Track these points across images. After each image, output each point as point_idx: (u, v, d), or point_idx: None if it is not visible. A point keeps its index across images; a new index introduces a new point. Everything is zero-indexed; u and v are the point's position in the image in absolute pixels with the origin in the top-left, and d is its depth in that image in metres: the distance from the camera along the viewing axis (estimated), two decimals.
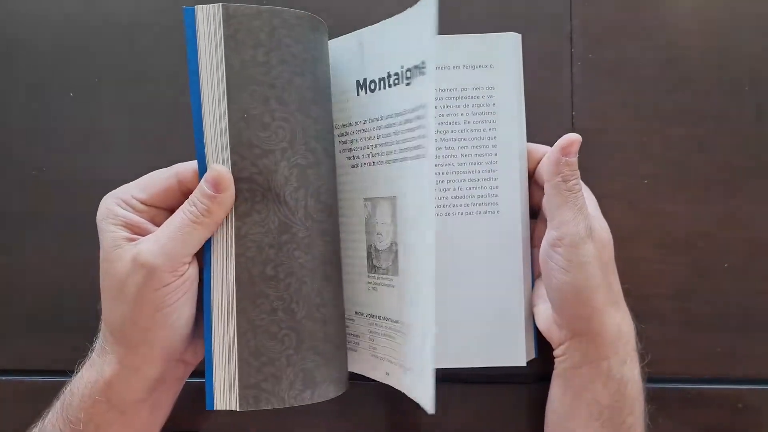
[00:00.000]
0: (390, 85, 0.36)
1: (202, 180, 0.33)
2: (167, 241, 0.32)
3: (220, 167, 0.33)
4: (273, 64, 0.33)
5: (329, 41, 0.38)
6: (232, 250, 0.34)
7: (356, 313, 0.40)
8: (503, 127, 0.39)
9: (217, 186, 0.32)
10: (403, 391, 0.36)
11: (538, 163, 0.40)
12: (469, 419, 0.43)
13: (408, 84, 0.35)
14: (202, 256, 0.34)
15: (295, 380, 0.34)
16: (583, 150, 0.43)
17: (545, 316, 0.38)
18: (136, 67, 0.46)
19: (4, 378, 0.45)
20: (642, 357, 0.37)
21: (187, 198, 0.34)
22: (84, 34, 0.46)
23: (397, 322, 0.36)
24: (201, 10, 0.33)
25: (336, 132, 0.39)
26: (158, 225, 0.34)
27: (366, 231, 0.38)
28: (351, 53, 0.38)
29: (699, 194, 0.43)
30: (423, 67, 0.33)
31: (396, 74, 0.36)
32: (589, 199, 0.38)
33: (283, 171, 0.34)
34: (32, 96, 0.45)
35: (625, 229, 0.43)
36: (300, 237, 0.34)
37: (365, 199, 0.38)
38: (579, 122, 0.44)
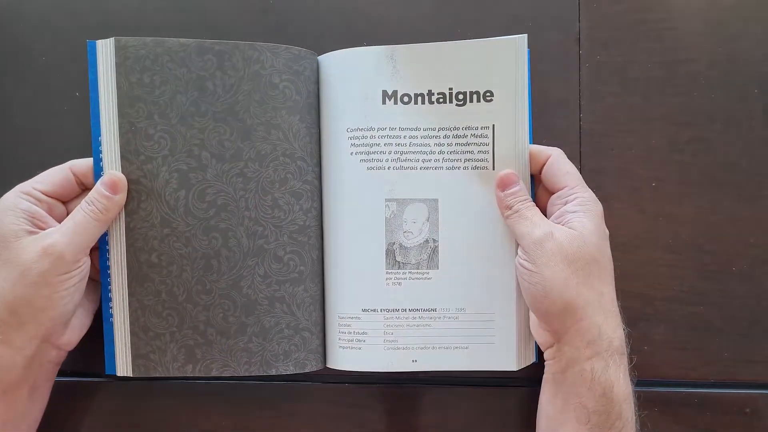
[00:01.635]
0: (432, 102, 0.40)
1: (99, 183, 0.39)
2: (74, 235, 0.37)
3: (116, 173, 0.39)
4: (156, 84, 0.40)
5: (358, 48, 0.41)
6: (123, 241, 0.40)
7: (363, 310, 0.40)
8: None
9: (114, 188, 0.39)
10: (443, 368, 0.41)
11: (543, 165, 0.40)
12: (465, 422, 0.43)
13: (460, 105, 0.40)
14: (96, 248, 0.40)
15: (177, 354, 0.41)
16: (590, 152, 0.43)
17: (534, 322, 0.39)
18: None
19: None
20: (630, 360, 0.36)
21: (83, 191, 0.40)
22: (89, 34, 0.46)
23: (434, 310, 0.41)
24: (100, 44, 0.40)
25: (348, 134, 0.41)
26: (55, 216, 0.39)
27: (387, 230, 0.40)
28: (378, 64, 0.40)
29: (706, 197, 0.43)
30: (490, 97, 0.40)
31: (441, 94, 0.40)
32: (587, 205, 0.38)
33: (164, 174, 0.40)
34: (37, 95, 0.45)
35: (632, 231, 0.43)
36: (180, 231, 0.40)
37: (387, 200, 0.40)
38: (586, 124, 0.44)
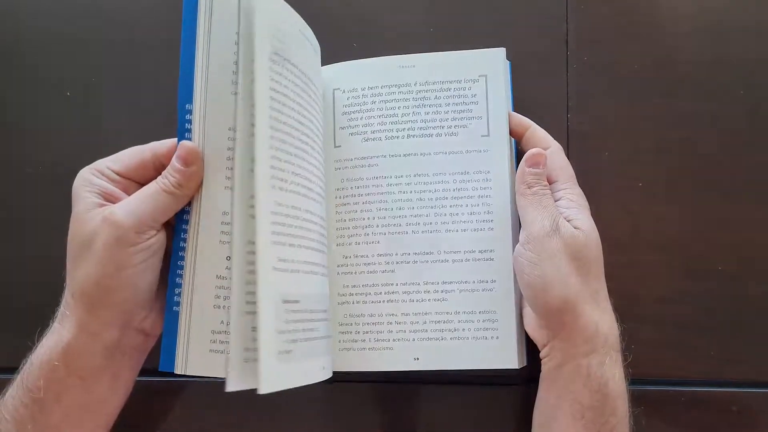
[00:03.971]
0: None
1: (174, 156, 0.36)
2: (138, 204, 0.34)
3: (189, 143, 0.35)
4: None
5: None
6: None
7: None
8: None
9: (185, 160, 0.35)
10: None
11: (523, 134, 0.41)
12: (462, 420, 0.43)
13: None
14: (173, 236, 0.36)
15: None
16: (577, 153, 0.44)
17: (530, 319, 0.39)
18: (133, 65, 0.46)
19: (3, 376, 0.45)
20: (624, 358, 0.37)
21: (160, 173, 0.36)
22: (81, 33, 0.46)
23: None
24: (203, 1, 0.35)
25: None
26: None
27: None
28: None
29: (693, 197, 0.43)
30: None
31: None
32: (579, 203, 0.38)
33: None
34: (28, 94, 0.46)
35: (619, 231, 0.43)
36: None
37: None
38: (574, 125, 0.44)
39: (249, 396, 0.43)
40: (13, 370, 0.44)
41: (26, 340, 0.44)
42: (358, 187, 0.42)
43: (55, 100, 0.45)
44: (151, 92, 0.46)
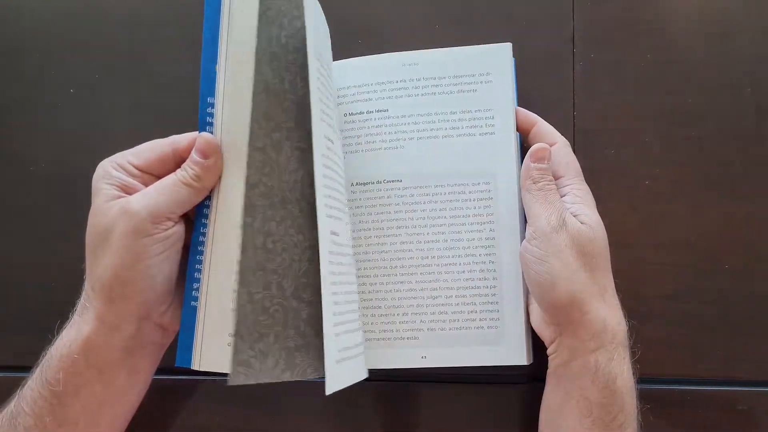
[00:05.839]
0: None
1: (193, 149, 0.35)
2: (155, 195, 0.34)
3: (207, 135, 0.35)
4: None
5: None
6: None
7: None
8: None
9: (204, 152, 0.35)
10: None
11: (530, 129, 0.41)
12: (467, 419, 0.43)
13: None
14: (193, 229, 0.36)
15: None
16: (584, 150, 0.43)
17: (537, 315, 0.39)
18: (137, 63, 0.46)
19: (5, 374, 0.45)
20: (633, 354, 0.37)
21: (180, 167, 0.36)
22: (84, 31, 0.46)
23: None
24: None
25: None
26: None
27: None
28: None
29: (699, 195, 0.43)
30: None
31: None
32: (584, 198, 0.38)
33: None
34: (32, 92, 0.46)
35: (625, 229, 0.43)
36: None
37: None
38: (580, 122, 0.44)
39: (251, 394, 0.43)
40: (10, 369, 0.44)
41: (29, 339, 0.45)
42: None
43: (59, 98, 0.45)
44: (156, 90, 0.46)
